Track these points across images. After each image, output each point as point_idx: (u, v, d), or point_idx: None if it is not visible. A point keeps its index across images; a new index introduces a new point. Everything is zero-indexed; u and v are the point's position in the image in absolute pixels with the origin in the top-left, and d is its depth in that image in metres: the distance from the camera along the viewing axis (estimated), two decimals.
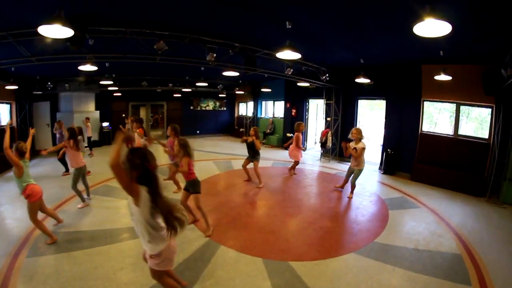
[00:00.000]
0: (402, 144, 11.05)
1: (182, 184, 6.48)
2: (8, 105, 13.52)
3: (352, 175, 8.09)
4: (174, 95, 20.78)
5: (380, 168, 11.77)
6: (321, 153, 13.96)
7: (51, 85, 14.02)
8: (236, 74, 10.24)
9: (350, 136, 7.88)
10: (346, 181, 8.54)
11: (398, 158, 11.11)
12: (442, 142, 9.97)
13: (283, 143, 16.62)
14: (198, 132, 22.29)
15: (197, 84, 15.32)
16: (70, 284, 4.09)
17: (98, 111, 17.50)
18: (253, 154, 9.05)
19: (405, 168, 10.87)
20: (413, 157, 10.57)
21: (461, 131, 9.79)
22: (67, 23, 4.61)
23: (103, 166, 11.20)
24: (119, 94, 18.40)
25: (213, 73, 13.83)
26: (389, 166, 11.22)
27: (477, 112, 9.88)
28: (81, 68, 8.58)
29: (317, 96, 14.70)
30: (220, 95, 22.17)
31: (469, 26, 5.66)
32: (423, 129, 10.54)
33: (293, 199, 8.03)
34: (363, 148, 7.66)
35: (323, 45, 8.55)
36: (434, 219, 6.74)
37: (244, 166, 9.45)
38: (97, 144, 16.18)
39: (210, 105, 22.91)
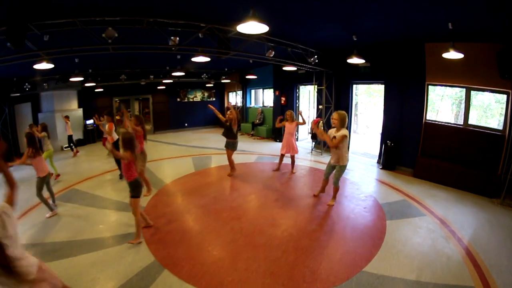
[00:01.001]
0: (403, 135, 9.74)
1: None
2: None
3: (333, 173, 6.50)
4: (159, 88, 19.78)
5: (378, 162, 10.47)
6: (313, 145, 12.63)
7: (29, 86, 13.23)
8: (206, 59, 8.84)
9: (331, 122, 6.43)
10: (325, 183, 6.98)
11: (399, 151, 9.80)
12: (449, 133, 8.67)
13: (273, 134, 15.46)
14: (186, 125, 21.30)
15: (174, 74, 13.90)
16: None
17: (81, 109, 16.89)
18: (228, 140, 8.56)
19: (406, 162, 9.57)
20: (416, 150, 9.31)
21: (465, 120, 8.53)
22: None
23: (80, 167, 10.99)
24: (101, 89, 17.54)
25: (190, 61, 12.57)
26: (388, 160, 9.86)
27: (480, 99, 8.77)
28: (36, 66, 7.68)
29: (307, 81, 13.38)
30: (207, 85, 21.09)
31: None
32: (427, 118, 9.25)
33: (267, 208, 6.58)
34: (344, 136, 5.95)
35: (303, 17, 7.06)
36: (442, 233, 5.35)
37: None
38: (81, 143, 15.96)
39: (198, 96, 21.77)
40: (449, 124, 8.98)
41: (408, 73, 9.42)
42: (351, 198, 7.03)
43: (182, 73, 13.50)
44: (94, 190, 8.02)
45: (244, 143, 14.49)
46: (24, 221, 6.14)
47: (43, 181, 6.41)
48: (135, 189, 5.05)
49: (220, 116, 9.01)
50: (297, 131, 14.19)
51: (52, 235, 5.54)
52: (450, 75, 8.40)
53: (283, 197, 7.15)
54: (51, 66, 7.77)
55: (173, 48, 7.64)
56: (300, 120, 8.92)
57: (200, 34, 7.49)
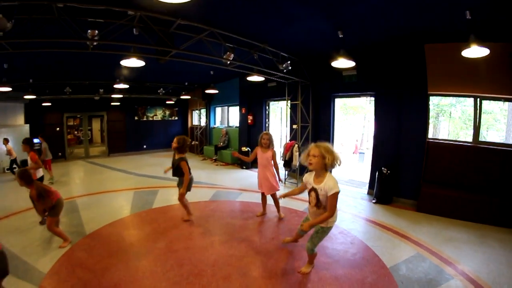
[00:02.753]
0: (401, 158, 7.87)
1: None
2: None
3: (311, 233, 4.16)
4: (112, 104, 17.63)
5: (369, 194, 8.44)
6: (286, 174, 10.38)
7: None
8: (140, 63, 6.54)
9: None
10: (299, 237, 4.98)
11: (397, 179, 7.83)
12: (458, 153, 7.12)
13: (239, 159, 13.05)
14: (144, 147, 19.18)
15: (115, 86, 11.54)
16: None
17: (28, 125, 14.71)
18: (179, 176, 6.14)
19: (407, 192, 7.72)
20: (418, 177, 7.52)
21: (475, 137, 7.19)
22: None
23: (5, 197, 8.78)
24: (49, 104, 15.66)
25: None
26: (384, 192, 7.78)
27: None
28: None
29: (279, 96, 11.28)
30: (168, 102, 19.03)
31: None
32: (429, 137, 7.59)
33: (215, 280, 4.16)
34: (335, 194, 3.60)
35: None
36: None
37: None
38: (26, 164, 13.48)
39: (158, 114, 19.70)
40: (457, 143, 7.47)
41: (404, 82, 7.73)
42: (344, 263, 4.68)
43: (126, 86, 11.04)
44: (9, 237, 5.70)
45: (204, 171, 12.30)
46: None
47: None
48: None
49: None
50: None
51: None
52: (457, 82, 6.94)
53: (241, 271, 4.59)
54: None
55: (90, 44, 5.44)
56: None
57: (134, 30, 5.64)
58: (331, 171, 3.85)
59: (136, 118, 18.80)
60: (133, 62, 6.40)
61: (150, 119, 19.39)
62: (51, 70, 10.73)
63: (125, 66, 8.05)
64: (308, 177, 3.94)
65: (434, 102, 8.85)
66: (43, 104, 15.50)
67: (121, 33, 5.47)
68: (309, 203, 3.94)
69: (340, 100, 10.20)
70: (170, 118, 20.11)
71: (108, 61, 8.85)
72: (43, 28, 5.05)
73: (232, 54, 6.78)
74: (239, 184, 9.96)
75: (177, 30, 5.90)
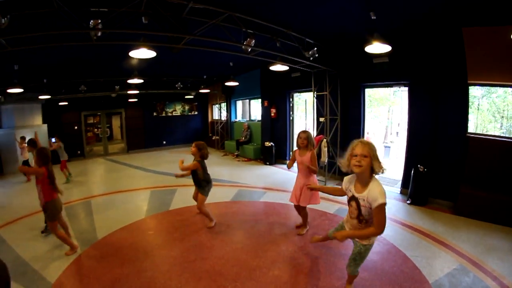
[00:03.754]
0: (438, 155, 7.17)
1: None
2: None
3: (352, 253, 3.43)
4: (130, 100, 17.55)
5: (402, 193, 7.81)
6: None
7: None
8: (152, 54, 5.93)
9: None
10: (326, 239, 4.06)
11: (434, 178, 7.13)
12: (504, 151, 6.25)
13: (262, 154, 12.72)
14: (164, 142, 19.02)
15: (129, 81, 11.06)
16: None
17: (46, 125, 14.89)
18: (198, 182, 5.74)
19: (444, 193, 7.04)
20: (457, 177, 6.79)
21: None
22: None
23: (19, 199, 8.56)
24: (66, 103, 15.75)
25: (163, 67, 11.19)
26: (420, 192, 7.12)
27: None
28: None
29: (304, 87, 10.68)
30: (187, 97, 18.77)
31: None
32: (470, 131, 6.85)
33: None
34: (383, 205, 2.84)
35: None
36: None
37: (194, 197, 6.07)
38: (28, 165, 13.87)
39: (177, 109, 19.49)
40: (503, 139, 6.62)
41: (441, 70, 6.99)
42: (382, 276, 4.06)
43: (140, 80, 10.56)
44: (18, 243, 5.46)
45: (226, 168, 11.89)
46: None
47: None
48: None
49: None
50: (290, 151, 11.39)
51: None
52: (500, 70, 6.08)
53: (274, 280, 4.06)
54: None
55: (94, 35, 4.97)
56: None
57: (143, 19, 5.14)
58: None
59: (154, 114, 18.65)
60: (143, 53, 5.82)
61: (169, 114, 19.20)
62: (63, 69, 10.64)
63: (138, 59, 7.64)
64: (348, 183, 3.21)
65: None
66: (60, 103, 15.56)
67: (129, 21, 5.05)
68: (349, 214, 3.25)
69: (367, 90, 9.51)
70: (189, 113, 19.90)
71: (120, 56, 8.46)
72: (43, 23, 4.82)
73: (253, 40, 6.18)
74: (263, 182, 9.44)
75: (190, 15, 5.36)
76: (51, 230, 5.02)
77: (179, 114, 19.50)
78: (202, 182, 5.61)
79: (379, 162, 2.84)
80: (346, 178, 3.22)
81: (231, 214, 6.59)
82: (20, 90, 10.64)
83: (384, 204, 2.80)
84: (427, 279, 3.99)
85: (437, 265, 4.36)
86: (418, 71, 7.38)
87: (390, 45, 5.79)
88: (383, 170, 2.86)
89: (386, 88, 12.47)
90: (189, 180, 6.10)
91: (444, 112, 6.98)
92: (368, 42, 5.68)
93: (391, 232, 5.54)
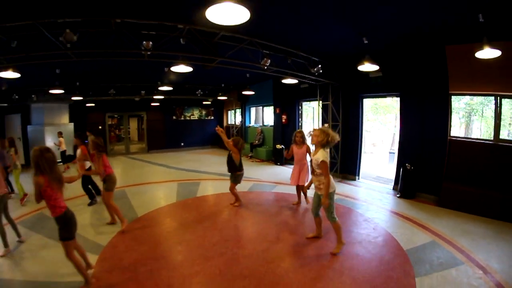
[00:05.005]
0: (424, 155, 8.29)
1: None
2: None
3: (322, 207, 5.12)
4: (152, 104, 18.83)
5: (394, 189, 8.92)
6: None
7: (17, 97, 13.33)
8: (188, 69, 7.50)
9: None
10: (318, 221, 5.50)
11: (420, 175, 8.27)
12: (479, 151, 7.35)
13: (274, 156, 13.95)
14: (182, 144, 20.30)
15: (160, 88, 12.53)
16: None
17: (73, 124, 16.16)
18: (231, 171, 7.23)
19: (429, 188, 8.09)
20: (440, 174, 7.85)
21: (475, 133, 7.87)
22: None
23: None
24: (92, 104, 17.15)
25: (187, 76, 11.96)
26: (407, 187, 8.29)
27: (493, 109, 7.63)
28: (2, 75, 6.95)
29: (311, 97, 11.98)
30: (205, 103, 20.10)
31: None
32: (452, 134, 7.92)
33: (251, 258, 4.89)
34: (324, 162, 4.70)
35: (300, 12, 5.67)
36: None
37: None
38: (71, 159, 15.28)
39: (195, 114, 20.84)
40: (478, 141, 7.80)
41: (427, 82, 8.14)
42: (366, 243, 5.40)
43: (169, 88, 12.06)
44: None
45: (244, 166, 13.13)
46: None
47: (1, 203, 5.31)
48: (62, 229, 3.85)
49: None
50: None
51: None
52: (477, 81, 7.16)
53: (278, 247, 5.35)
54: (17, 75, 6.99)
55: (146, 54, 6.46)
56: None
57: (181, 40, 6.40)
58: (325, 148, 4.82)
59: (174, 117, 19.93)
60: (181, 68, 7.29)
61: (188, 118, 20.46)
62: (97, 74, 11.82)
63: (170, 71, 8.94)
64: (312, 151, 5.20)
65: (465, 101, 9.12)
66: (87, 104, 16.87)
67: (171, 43, 6.35)
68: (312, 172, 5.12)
69: (370, 100, 10.75)
70: (206, 118, 21.10)
71: (152, 66, 9.77)
72: (102, 40, 6.00)
73: (269, 60, 7.54)
74: (274, 178, 10.82)
75: (220, 40, 6.70)
76: (106, 201, 6.16)
77: (196, 118, 20.73)
78: (236, 170, 7.12)
79: (329, 142, 4.76)
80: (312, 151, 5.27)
81: (249, 200, 8.03)
82: (61, 91, 12.07)
83: (324, 161, 4.71)
84: (401, 246, 5.25)
85: (413, 239, 5.54)
86: (407, 84, 8.54)
87: (378, 65, 7.16)
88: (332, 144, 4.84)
89: (387, 98, 13.49)
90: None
91: (429, 119, 8.10)
92: (360, 62, 7.06)
93: (379, 216, 6.86)
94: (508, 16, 5.17)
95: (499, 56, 5.84)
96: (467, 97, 8.80)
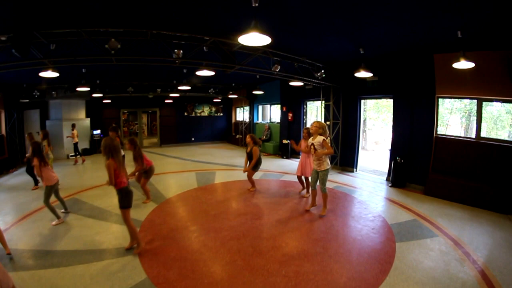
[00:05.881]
0: (413, 150, 9.36)
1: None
2: None
3: (318, 181, 6.73)
4: (166, 101, 20.06)
5: (387, 180, 10.06)
6: None
7: (38, 93, 13.89)
8: (211, 73, 8.75)
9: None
10: (314, 193, 7.08)
11: (409, 168, 9.38)
12: (462, 147, 8.29)
13: (280, 150, 15.21)
14: (193, 139, 21.47)
15: (180, 88, 13.77)
16: None
17: (89, 119, 17.33)
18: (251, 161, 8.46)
19: (417, 179, 9.17)
20: (427, 166, 8.93)
21: (474, 133, 8.23)
22: None
23: (82, 176, 11.31)
24: (109, 101, 18.17)
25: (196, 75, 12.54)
26: (398, 178, 9.45)
27: (489, 110, 8.55)
28: (42, 74, 7.78)
29: (315, 97, 13.19)
30: (215, 100, 21.32)
31: None
32: (438, 132, 8.94)
33: (267, 227, 6.25)
34: (324, 141, 6.41)
35: (308, 30, 6.89)
36: (455, 255, 4.94)
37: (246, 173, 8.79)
38: (87, 152, 16.49)
39: (205, 110, 21.97)
40: (461, 138, 8.69)
41: (417, 86, 9.16)
42: (358, 218, 6.67)
43: (188, 87, 13.37)
44: (94, 201, 7.95)
45: None
46: (19, 227, 6.22)
47: (52, 189, 6.40)
48: (123, 199, 4.86)
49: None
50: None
51: (45, 243, 5.48)
52: (461, 86, 8.12)
53: (286, 218, 6.74)
54: (56, 74, 7.79)
55: (177, 61, 7.63)
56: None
57: (204, 48, 7.48)
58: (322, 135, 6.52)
59: (185, 113, 21.10)
60: (205, 72, 8.55)
61: (198, 115, 21.63)
62: (119, 73, 12.71)
63: (188, 72, 10.15)
64: (311, 140, 6.69)
65: (466, 103, 9.66)
66: (104, 101, 17.93)
67: (198, 51, 7.51)
68: (312, 153, 6.60)
69: (367, 101, 11.90)
70: (215, 114, 22.26)
71: (172, 67, 10.69)
72: (139, 47, 7.10)
73: (279, 66, 8.74)
74: (281, 169, 12.12)
75: (238, 49, 7.84)
76: (143, 184, 7.66)
77: (206, 114, 21.88)
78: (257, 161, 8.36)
79: (324, 132, 6.51)
80: (310, 139, 6.74)
81: (261, 186, 9.33)
82: (87, 89, 13.26)
83: (325, 139, 6.36)
84: (387, 221, 6.50)
85: (398, 218, 6.74)
86: (400, 87, 9.61)
87: (372, 72, 8.37)
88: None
89: (381, 100, 14.41)
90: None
91: (418, 118, 9.15)
92: (357, 70, 8.27)
93: (371, 199, 8.09)
94: (480, 32, 6.26)
95: (478, 65, 6.80)
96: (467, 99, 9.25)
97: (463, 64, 6.56)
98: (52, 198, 6.46)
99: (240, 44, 7.34)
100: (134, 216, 6.52)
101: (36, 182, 9.66)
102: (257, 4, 4.73)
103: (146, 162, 7.45)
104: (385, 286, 4.07)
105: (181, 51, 7.21)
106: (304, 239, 5.66)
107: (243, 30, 4.80)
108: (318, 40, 7.65)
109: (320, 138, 6.43)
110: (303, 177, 8.32)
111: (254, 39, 4.93)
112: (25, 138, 13.49)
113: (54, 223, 6.29)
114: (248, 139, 8.46)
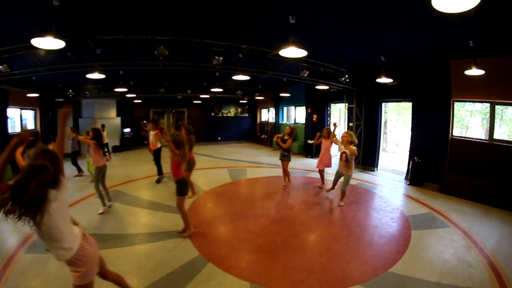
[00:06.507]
0: (430, 151, 9.99)
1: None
2: (33, 111, 14.97)
3: (341, 181, 7.77)
4: (195, 102, 20.91)
5: (406, 179, 10.74)
6: None
7: (72, 93, 14.87)
8: (246, 78, 9.70)
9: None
10: (335, 184, 8.19)
11: (426, 167, 10.03)
12: (475, 148, 8.83)
13: (305, 150, 16.05)
14: (219, 138, 22.26)
15: (212, 90, 14.84)
16: (51, 281, 4.26)
17: (120, 118, 18.43)
18: (288, 151, 9.26)
19: (434, 178, 9.77)
20: (443, 166, 9.50)
21: (496, 135, 8.64)
22: (57, 35, 4.68)
23: (116, 171, 11.89)
24: (139, 101, 18.93)
25: (228, 78, 13.25)
26: (416, 176, 10.14)
27: (511, 112, 8.76)
28: (89, 76, 8.71)
29: (338, 99, 14.02)
30: (241, 101, 22.01)
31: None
32: (453, 134, 9.52)
33: (299, 215, 7.20)
34: (355, 150, 7.26)
35: (335, 41, 7.74)
36: (464, 243, 5.70)
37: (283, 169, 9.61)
38: (118, 149, 17.41)
39: (231, 111, 22.80)
40: (475, 140, 9.17)
41: (434, 90, 9.73)
42: (378, 210, 7.51)
43: (220, 89, 14.34)
44: (134, 192, 8.93)
45: (277, 158, 15.03)
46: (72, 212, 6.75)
47: (101, 172, 7.11)
48: (181, 187, 5.68)
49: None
50: None
51: (96, 227, 6.28)
52: (475, 91, 8.62)
53: (315, 208, 7.69)
54: (102, 76, 8.77)
55: (217, 67, 8.45)
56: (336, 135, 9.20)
57: (240, 55, 8.22)
58: (353, 144, 7.28)
59: (212, 114, 21.98)
60: (240, 77, 9.51)
61: (225, 115, 22.52)
62: (153, 75, 13.30)
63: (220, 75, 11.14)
64: (342, 146, 7.44)
65: (486, 106, 9.49)
66: (135, 101, 18.74)
67: (234, 58, 8.34)
68: (340, 160, 7.48)
69: (388, 104, 12.63)
70: (241, 115, 23.10)
71: (204, 71, 11.29)
72: (182, 53, 7.71)
73: (307, 72, 9.61)
74: (306, 167, 13.05)
75: (272, 56, 8.59)
76: (187, 177, 8.31)
77: (232, 115, 22.75)
78: (290, 153, 9.23)
79: (353, 142, 7.14)
80: (340, 145, 7.42)
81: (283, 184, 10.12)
82: (124, 90, 14.13)
83: (355, 154, 7.20)
84: (404, 213, 7.33)
85: (414, 211, 7.53)
86: (418, 91, 10.26)
87: (392, 78, 9.12)
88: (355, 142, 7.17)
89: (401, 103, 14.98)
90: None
91: (435, 121, 9.74)
92: (378, 76, 9.04)
93: (390, 195, 8.90)
94: (491, 42, 6.81)
95: (490, 71, 7.44)
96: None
97: (474, 72, 7.18)
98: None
99: (275, 52, 8.26)
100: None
101: (79, 170, 10.94)
102: (294, 21, 5.60)
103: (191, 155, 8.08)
104: (402, 262, 4.90)
105: (221, 58, 8.06)
106: (332, 225, 6.60)
107: (279, 40, 5.81)
108: (344, 49, 8.52)
109: (353, 149, 7.17)
110: (323, 170, 9.39)
111: (293, 52, 5.83)
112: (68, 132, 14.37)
113: (100, 211, 7.02)
114: (286, 130, 9.26)
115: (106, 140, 13.98)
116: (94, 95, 15.52)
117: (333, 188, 8.28)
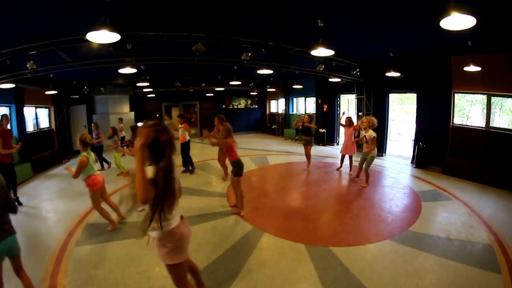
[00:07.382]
0: (433, 137, 11.03)
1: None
2: (47, 109, 14.82)
3: (365, 162, 8.58)
4: (207, 95, 21.52)
5: (412, 162, 11.83)
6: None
7: (87, 89, 15.14)
8: (269, 72, 10.73)
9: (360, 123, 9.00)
10: (360, 168, 9.14)
11: (430, 152, 11.08)
12: (474, 135, 9.85)
13: (316, 138, 16.69)
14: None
15: (231, 82, 15.68)
16: (117, 269, 4.62)
17: (133, 112, 18.66)
18: (309, 139, 10.45)
19: (437, 161, 10.81)
20: (445, 151, 10.54)
21: (495, 124, 9.61)
22: (113, 28, 4.80)
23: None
24: (153, 95, 19.45)
25: (245, 71, 14.23)
26: (421, 160, 11.23)
27: (510, 104, 9.62)
28: (121, 71, 9.20)
29: (347, 91, 14.88)
30: (251, 93, 22.71)
31: (496, 18, 5.86)
32: (454, 122, 10.50)
33: (328, 191, 8.43)
34: (374, 137, 8.20)
35: (354, 41, 8.83)
36: (465, 211, 6.86)
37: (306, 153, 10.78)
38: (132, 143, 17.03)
39: (242, 103, 23.52)
40: (473, 127, 10.15)
41: (436, 83, 10.69)
42: (392, 187, 8.72)
43: (238, 82, 15.36)
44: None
45: (291, 147, 16.46)
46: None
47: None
48: (238, 168, 6.25)
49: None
50: (338, 135, 15.87)
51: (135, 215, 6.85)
52: (473, 83, 9.53)
53: (338, 187, 9.05)
54: (134, 70, 9.22)
55: (245, 62, 9.14)
56: (343, 122, 10.30)
57: (263, 50, 8.98)
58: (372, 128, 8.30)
59: (223, 106, 22.69)
60: (264, 71, 10.62)
61: (235, 107, 23.33)
62: (173, 69, 13.90)
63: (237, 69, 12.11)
64: (362, 132, 8.56)
65: (484, 97, 10.07)
66: (148, 95, 19.27)
67: (262, 55, 9.19)
68: (364, 143, 8.43)
69: (393, 94, 13.69)
70: (251, 106, 23.89)
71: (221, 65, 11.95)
72: (213, 49, 8.39)
73: (323, 65, 10.66)
74: (321, 154, 14.20)
75: (293, 52, 9.56)
76: (222, 162, 9.34)
77: (242, 107, 23.54)
78: (312, 138, 10.36)
79: (373, 126, 8.13)
80: (363, 132, 8.35)
81: (310, 165, 11.24)
82: (146, 84, 14.65)
83: (375, 136, 8.07)
84: (413, 189, 8.54)
85: (421, 188, 8.71)
86: (422, 83, 11.29)
87: (399, 72, 10.22)
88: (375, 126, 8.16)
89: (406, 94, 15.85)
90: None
91: (437, 110, 10.77)
92: (387, 70, 10.14)
93: (399, 176, 10.09)
94: (487, 41, 7.81)
95: (487, 66, 8.55)
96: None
97: (472, 68, 8.31)
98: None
99: (297, 48, 9.19)
100: (217, 190, 8.62)
101: (107, 162, 11.82)
102: (322, 24, 6.51)
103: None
104: (416, 225, 6.11)
105: (249, 54, 8.56)
106: (355, 198, 7.84)
107: (303, 38, 7.24)
108: (360, 47, 9.66)
109: (372, 133, 8.16)
110: (346, 156, 10.23)
111: (321, 51, 6.90)
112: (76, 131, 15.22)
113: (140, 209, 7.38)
114: (306, 118, 10.33)
115: (124, 134, 14.41)
116: (108, 91, 15.94)
117: (358, 173, 9.35)
